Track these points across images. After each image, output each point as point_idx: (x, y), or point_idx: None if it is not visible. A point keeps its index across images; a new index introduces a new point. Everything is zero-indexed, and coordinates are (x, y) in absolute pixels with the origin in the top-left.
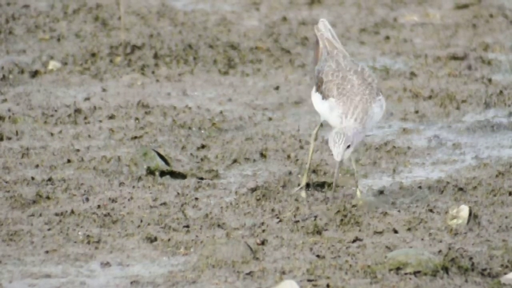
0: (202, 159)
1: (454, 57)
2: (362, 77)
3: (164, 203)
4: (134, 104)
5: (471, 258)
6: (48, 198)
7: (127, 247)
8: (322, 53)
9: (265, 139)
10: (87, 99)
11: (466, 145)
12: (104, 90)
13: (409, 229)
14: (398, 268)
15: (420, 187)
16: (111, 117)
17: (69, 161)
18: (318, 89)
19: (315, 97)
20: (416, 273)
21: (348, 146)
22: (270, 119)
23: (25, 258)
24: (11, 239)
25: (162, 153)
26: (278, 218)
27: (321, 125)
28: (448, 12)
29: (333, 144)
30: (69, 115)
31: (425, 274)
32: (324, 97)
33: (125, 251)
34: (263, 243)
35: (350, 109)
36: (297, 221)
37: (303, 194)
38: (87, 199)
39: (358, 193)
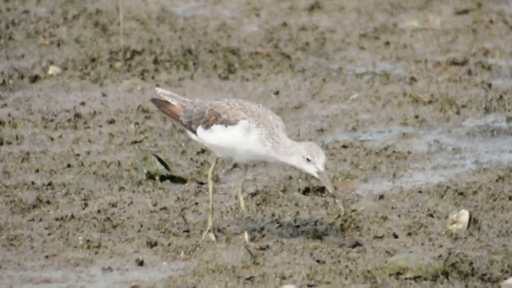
0: (202, 164)
1: (454, 62)
2: None
3: (164, 208)
4: (134, 109)
5: (471, 263)
6: (48, 202)
7: (127, 251)
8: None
9: None
10: (87, 104)
11: (466, 150)
12: (104, 95)
13: (409, 234)
14: (398, 273)
15: (420, 192)
16: (111, 122)
17: (69, 165)
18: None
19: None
20: (416, 278)
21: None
22: None
23: (25, 263)
24: (11, 244)
25: (162, 157)
26: (278, 222)
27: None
28: (448, 17)
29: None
30: (69, 120)
31: (425, 279)
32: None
33: (125, 256)
34: (262, 248)
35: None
36: (297, 226)
37: (212, 236)
38: (86, 205)
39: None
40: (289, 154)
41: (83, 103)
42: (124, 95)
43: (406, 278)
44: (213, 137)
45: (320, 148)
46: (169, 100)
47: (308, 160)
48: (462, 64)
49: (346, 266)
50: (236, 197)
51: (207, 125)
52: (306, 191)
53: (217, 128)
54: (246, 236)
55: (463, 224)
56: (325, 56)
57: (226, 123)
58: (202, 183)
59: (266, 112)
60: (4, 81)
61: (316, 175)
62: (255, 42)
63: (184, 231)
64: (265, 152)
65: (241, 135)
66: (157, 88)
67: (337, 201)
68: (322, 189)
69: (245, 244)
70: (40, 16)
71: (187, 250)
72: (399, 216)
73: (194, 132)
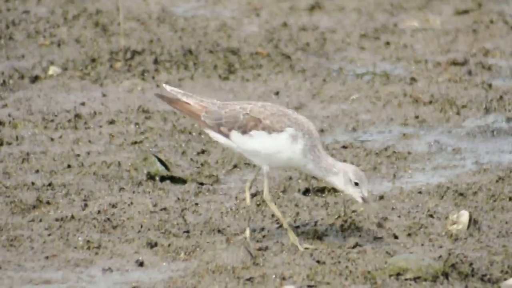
0: (202, 164)
1: (454, 63)
2: None
3: (164, 209)
4: (134, 109)
5: (471, 264)
6: (48, 203)
7: (127, 252)
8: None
9: None
10: (87, 104)
11: (466, 150)
12: (104, 95)
13: (409, 235)
14: (398, 274)
15: (420, 192)
16: (111, 122)
17: (69, 166)
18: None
19: None
20: (416, 278)
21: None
22: None
23: (25, 264)
24: (11, 244)
25: (162, 158)
26: (278, 223)
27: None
28: (449, 17)
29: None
30: (69, 120)
31: (425, 279)
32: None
33: (125, 256)
34: (261, 249)
35: None
36: (297, 227)
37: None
38: (86, 205)
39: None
40: (332, 173)
41: (83, 104)
42: (124, 95)
43: (406, 279)
44: (253, 143)
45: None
46: (183, 98)
47: (356, 184)
48: (463, 64)
49: (346, 266)
50: (244, 191)
51: (244, 130)
52: (306, 191)
53: (258, 134)
54: (247, 232)
55: (463, 225)
56: (326, 56)
57: (269, 129)
58: (202, 184)
59: (307, 121)
60: (4, 81)
61: (360, 200)
62: (255, 42)
63: (184, 232)
64: (304, 163)
65: (287, 142)
66: (165, 85)
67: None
68: (322, 190)
69: (245, 241)
70: (40, 16)
71: (187, 251)
72: (399, 216)
73: (225, 135)
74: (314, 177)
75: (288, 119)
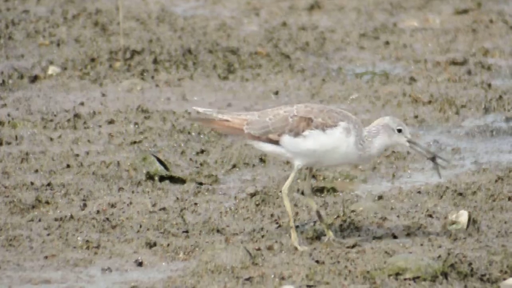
0: (201, 164)
1: (454, 62)
2: None
3: (164, 208)
4: (134, 109)
5: (470, 264)
6: (47, 203)
7: (126, 252)
8: None
9: None
10: (86, 104)
11: (465, 150)
12: (103, 95)
13: (408, 235)
14: (397, 274)
15: (419, 192)
16: (111, 122)
17: (68, 166)
18: None
19: None
20: (415, 278)
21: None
22: None
23: (24, 264)
24: (10, 244)
25: (161, 158)
26: (277, 223)
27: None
28: (448, 17)
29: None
30: (69, 120)
31: (425, 279)
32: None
33: (124, 256)
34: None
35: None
36: (296, 226)
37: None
38: (85, 205)
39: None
40: (374, 137)
41: (82, 103)
42: (123, 95)
43: (405, 279)
44: (308, 143)
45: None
46: (219, 115)
47: (399, 130)
48: (462, 64)
49: (345, 266)
50: (303, 194)
51: (297, 132)
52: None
53: (312, 134)
54: (330, 232)
55: (462, 225)
56: (325, 56)
57: (323, 126)
58: (201, 184)
59: (346, 111)
60: (3, 81)
61: (407, 144)
62: (254, 42)
63: (183, 232)
64: (357, 156)
65: (342, 136)
66: (194, 107)
67: (438, 163)
68: (321, 190)
69: (331, 240)
70: (40, 16)
71: (186, 251)
72: (398, 216)
73: (274, 142)
74: (313, 177)
75: (337, 113)
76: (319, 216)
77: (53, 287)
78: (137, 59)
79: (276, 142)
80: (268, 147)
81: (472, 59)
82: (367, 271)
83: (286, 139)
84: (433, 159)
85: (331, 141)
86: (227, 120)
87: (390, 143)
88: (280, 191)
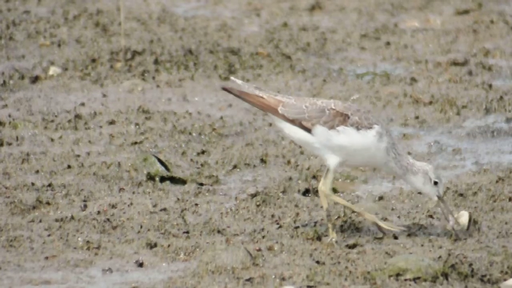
0: (202, 165)
1: (455, 63)
2: None
3: (164, 209)
4: (135, 109)
5: (471, 264)
6: (48, 203)
7: (127, 253)
8: None
9: (265, 144)
10: (87, 104)
11: (466, 151)
12: (104, 95)
13: (409, 235)
14: (398, 274)
15: (420, 193)
16: (111, 122)
17: (69, 166)
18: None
19: None
20: (416, 279)
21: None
22: (270, 124)
23: (24, 264)
24: (11, 245)
25: (162, 158)
26: (278, 224)
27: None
28: (449, 17)
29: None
30: (69, 121)
31: (425, 280)
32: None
33: (125, 257)
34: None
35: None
36: (297, 227)
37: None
38: (86, 206)
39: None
40: (411, 172)
41: (83, 104)
42: (124, 95)
43: (405, 279)
44: (339, 139)
45: None
46: (255, 91)
47: (435, 183)
48: (463, 64)
49: (346, 267)
50: (321, 192)
51: (331, 125)
52: (306, 192)
53: (347, 130)
54: (334, 234)
55: (463, 225)
56: (326, 57)
57: (359, 125)
58: (202, 184)
59: (382, 120)
60: (4, 81)
61: (436, 198)
62: (255, 42)
63: (184, 232)
64: (385, 161)
65: (375, 140)
66: (233, 78)
67: (454, 227)
68: None
69: (333, 241)
70: (40, 16)
71: (187, 251)
72: (398, 217)
73: (306, 129)
74: (314, 177)
75: (373, 116)
76: (328, 215)
77: (53, 287)
78: (138, 59)
79: (308, 130)
80: (299, 133)
81: (473, 59)
82: (368, 272)
83: (319, 129)
84: (450, 222)
85: (363, 142)
86: (262, 97)
87: (420, 188)
88: (282, 192)
